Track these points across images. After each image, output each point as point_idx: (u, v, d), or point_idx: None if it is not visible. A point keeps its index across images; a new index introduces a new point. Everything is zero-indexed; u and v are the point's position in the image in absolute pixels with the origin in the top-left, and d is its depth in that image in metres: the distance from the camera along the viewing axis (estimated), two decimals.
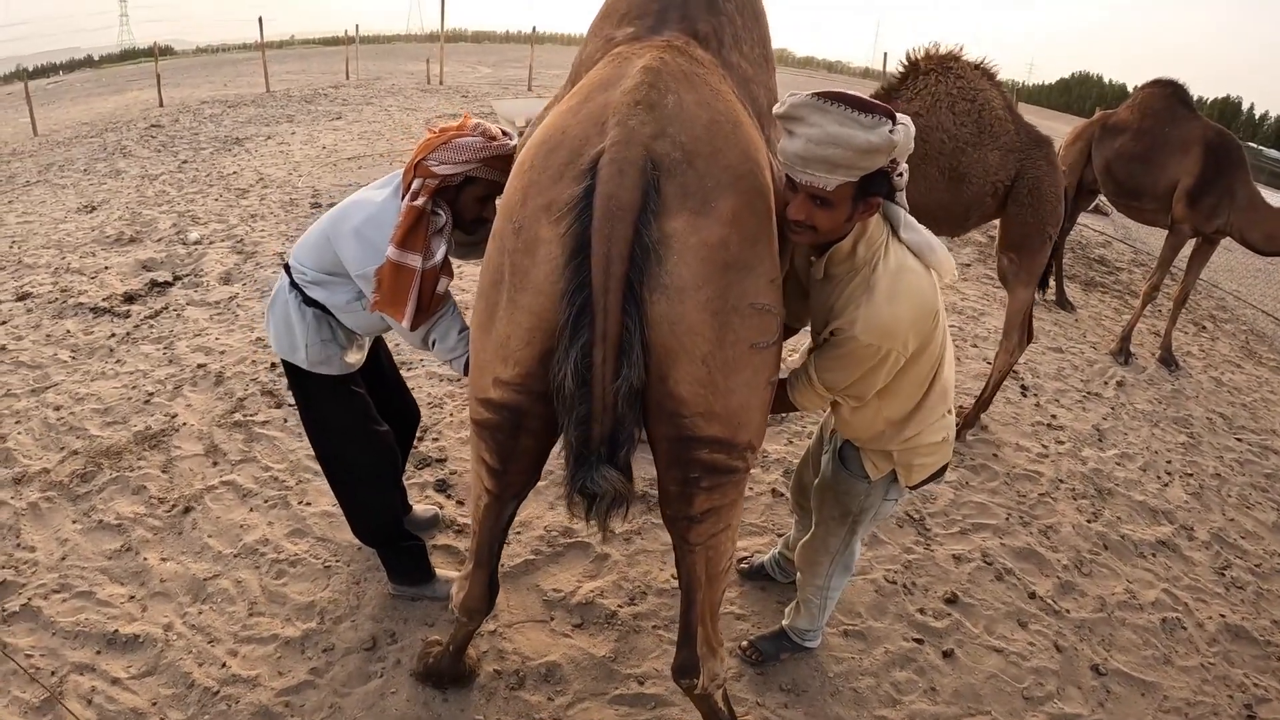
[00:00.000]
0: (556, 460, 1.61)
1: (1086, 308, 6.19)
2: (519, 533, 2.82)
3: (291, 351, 2.09)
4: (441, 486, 3.08)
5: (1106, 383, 4.80)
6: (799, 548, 2.26)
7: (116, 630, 2.35)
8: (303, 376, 2.15)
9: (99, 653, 2.28)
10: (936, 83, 3.28)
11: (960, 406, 3.84)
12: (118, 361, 3.89)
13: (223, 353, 3.99)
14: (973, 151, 3.28)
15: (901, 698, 2.34)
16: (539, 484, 2.10)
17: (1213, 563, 3.24)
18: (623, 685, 2.27)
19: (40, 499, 2.89)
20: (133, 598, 2.48)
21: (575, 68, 1.81)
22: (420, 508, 2.84)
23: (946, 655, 2.52)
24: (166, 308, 4.50)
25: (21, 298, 4.59)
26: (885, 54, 15.71)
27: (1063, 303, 6.05)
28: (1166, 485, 3.76)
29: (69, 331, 4.18)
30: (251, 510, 2.88)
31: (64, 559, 2.62)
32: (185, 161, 8.20)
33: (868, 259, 1.61)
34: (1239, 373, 5.48)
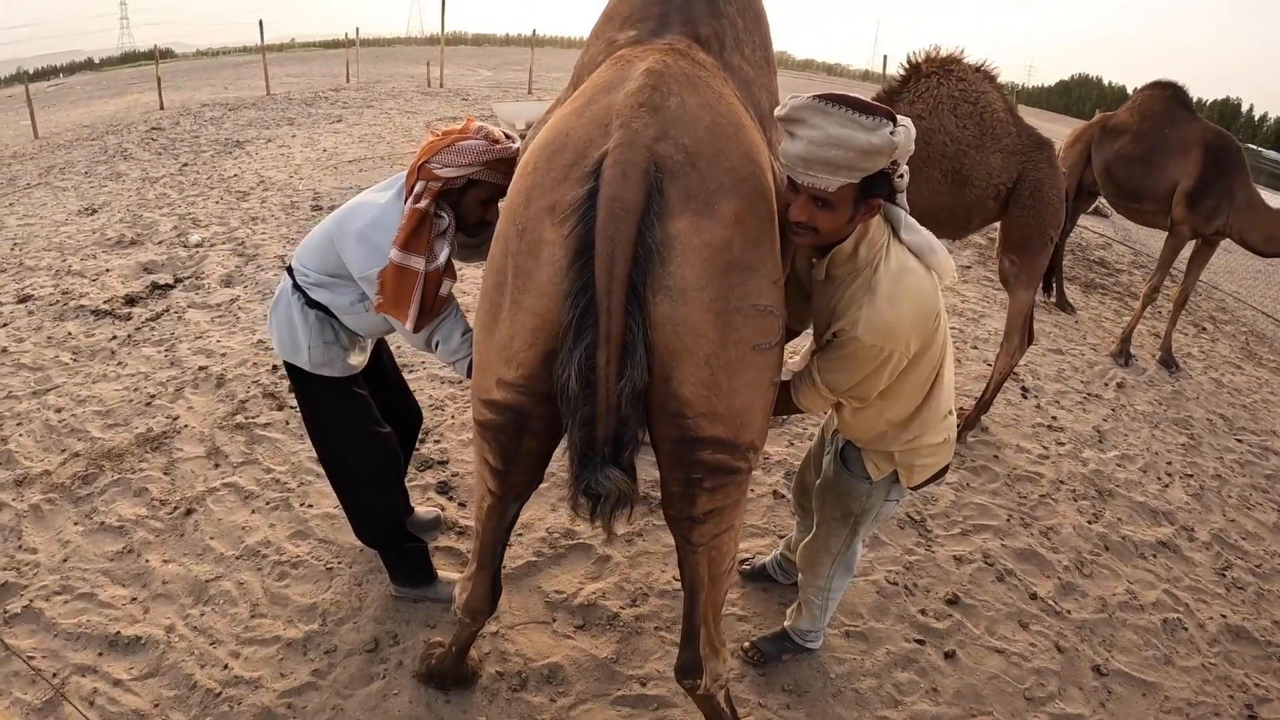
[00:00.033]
0: (557, 463, 1.62)
1: (1086, 309, 6.20)
2: (521, 535, 2.82)
3: (294, 353, 2.10)
4: (443, 488, 3.09)
5: (1107, 384, 4.81)
6: (800, 549, 2.26)
7: (118, 632, 2.35)
8: (305, 378, 2.16)
9: (101, 654, 2.28)
10: (938, 85, 3.30)
11: (961, 408, 3.84)
12: (119, 364, 3.90)
13: (224, 355, 3.99)
14: (975, 154, 3.29)
15: (903, 698, 2.35)
16: (540, 486, 2.10)
17: (1213, 563, 3.24)
18: (625, 686, 2.27)
19: (42, 501, 2.89)
20: (134, 599, 2.48)
21: (577, 71, 1.81)
22: (422, 509, 2.84)
23: (948, 656, 2.52)
24: (168, 310, 4.51)
25: (23, 300, 4.60)
26: (885, 56, 15.74)
27: (1063, 305, 6.06)
28: (1167, 486, 3.77)
29: (70, 334, 4.19)
30: (253, 512, 2.89)
31: (65, 561, 2.62)
32: (186, 164, 8.21)
33: (869, 260, 1.61)
34: (1239, 374, 5.48)
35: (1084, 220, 8.57)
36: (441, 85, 15.87)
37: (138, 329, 4.27)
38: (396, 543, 2.42)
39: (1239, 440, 4.39)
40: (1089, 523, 3.35)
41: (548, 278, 1.38)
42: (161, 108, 12.97)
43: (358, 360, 2.20)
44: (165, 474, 3.08)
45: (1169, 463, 3.99)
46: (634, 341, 1.33)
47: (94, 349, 4.03)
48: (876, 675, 2.41)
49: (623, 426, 1.39)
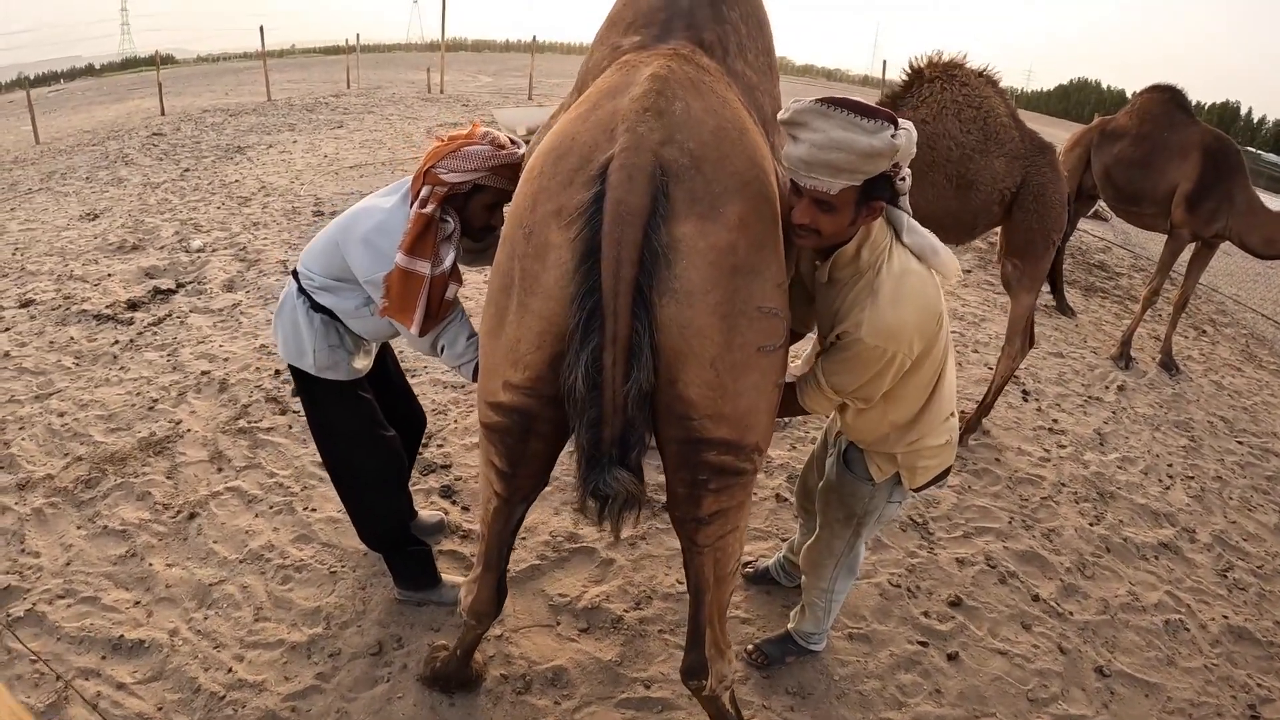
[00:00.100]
0: (561, 466, 1.63)
1: (1087, 313, 6.21)
2: (524, 538, 2.82)
3: (299, 357, 2.11)
4: (446, 492, 3.09)
5: (1107, 387, 4.82)
6: (804, 551, 2.26)
7: (122, 635, 2.35)
8: (310, 382, 2.16)
9: (104, 658, 2.29)
10: (941, 90, 3.31)
11: (962, 412, 3.85)
12: (121, 368, 3.91)
13: (226, 360, 4.00)
14: (979, 158, 3.31)
15: (907, 700, 2.35)
16: (543, 490, 2.11)
17: (1215, 565, 3.25)
18: (629, 689, 2.28)
19: (45, 505, 2.90)
20: (138, 603, 2.49)
21: (582, 76, 1.83)
22: (425, 513, 2.85)
23: (951, 658, 2.52)
24: (170, 315, 4.51)
25: (25, 304, 4.61)
26: (885, 61, 15.77)
27: (1063, 308, 6.07)
28: (1168, 488, 3.77)
29: (72, 338, 4.19)
30: (257, 516, 2.89)
31: (69, 564, 2.62)
32: (187, 170, 8.23)
33: (871, 262, 1.63)
34: (1239, 376, 5.49)
35: (1083, 224, 8.59)
36: (442, 91, 15.90)
37: (140, 333, 4.27)
38: (401, 546, 2.43)
39: (1239, 442, 4.40)
40: (1090, 525, 3.36)
41: (554, 281, 1.39)
42: (163, 113, 13.00)
43: (362, 364, 2.21)
44: (168, 478, 3.08)
45: (1170, 465, 3.99)
46: (640, 344, 1.34)
47: (96, 353, 4.04)
48: (880, 677, 2.41)
49: (629, 428, 1.39)
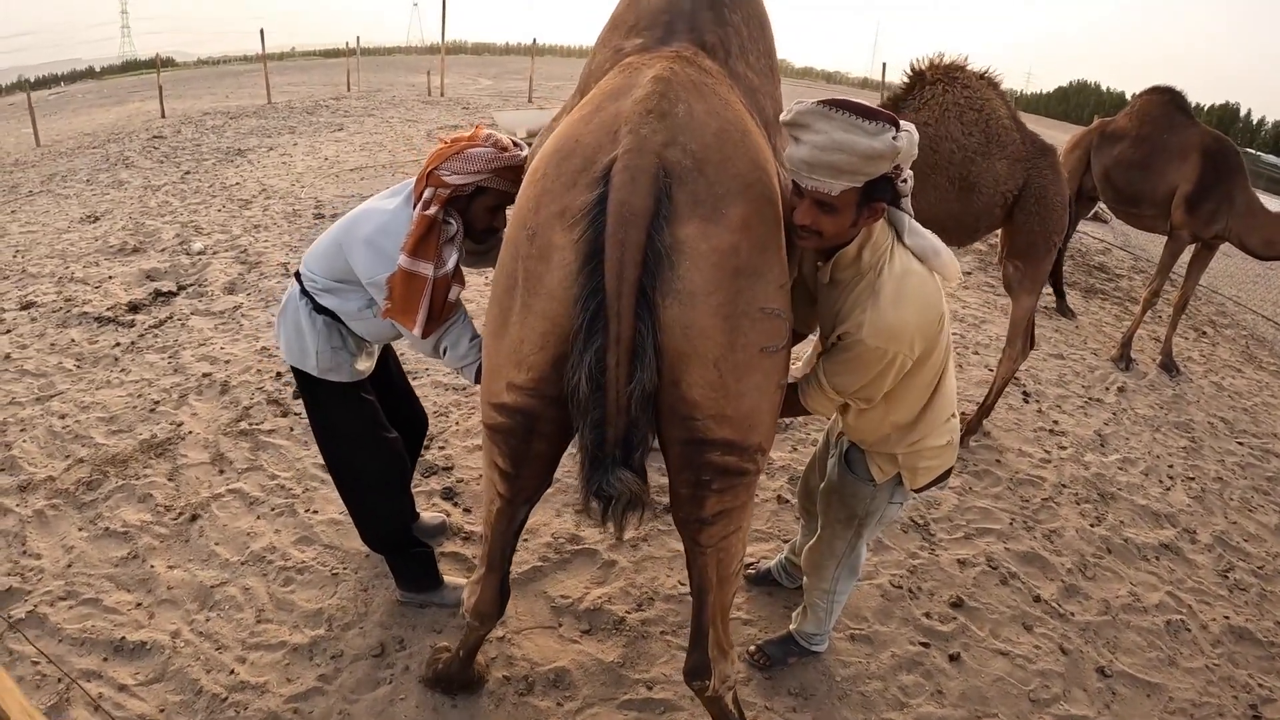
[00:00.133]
0: (563, 469, 1.63)
1: (1087, 314, 6.22)
2: (526, 540, 2.82)
3: (302, 359, 2.11)
4: (448, 494, 3.09)
5: (1108, 388, 4.82)
6: (805, 552, 2.27)
7: (124, 637, 2.35)
8: (313, 383, 2.17)
9: (106, 659, 2.29)
10: (943, 93, 3.31)
11: (963, 413, 3.85)
12: (123, 370, 3.91)
13: (228, 362, 4.00)
14: (982, 161, 3.31)
15: (909, 701, 2.35)
16: (546, 491, 2.11)
17: (1216, 565, 3.25)
18: (631, 690, 2.28)
19: (46, 506, 2.90)
20: (140, 604, 2.49)
21: (584, 78, 1.83)
22: (427, 515, 2.85)
23: (953, 659, 2.52)
24: (171, 317, 4.52)
25: (26, 306, 4.61)
26: (884, 64, 15.81)
27: (1063, 310, 6.07)
28: (1169, 489, 3.78)
29: (73, 340, 4.20)
30: (258, 518, 2.89)
31: (70, 566, 2.62)
32: (188, 172, 8.24)
33: (873, 263, 1.63)
34: (1239, 377, 5.50)
35: (1083, 226, 8.60)
36: (442, 94, 15.93)
37: (141, 336, 4.28)
38: (403, 548, 2.43)
39: (1240, 443, 4.40)
40: (1091, 526, 3.36)
41: (558, 282, 1.39)
42: (163, 116, 13.03)
43: (365, 365, 2.21)
44: (170, 480, 3.08)
45: (1170, 466, 4.00)
46: (643, 345, 1.34)
47: (97, 356, 4.04)
48: (882, 678, 2.41)
49: (632, 429, 1.40)
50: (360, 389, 2.23)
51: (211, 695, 2.18)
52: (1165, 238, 5.26)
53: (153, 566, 2.63)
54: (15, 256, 5.57)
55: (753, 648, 2.42)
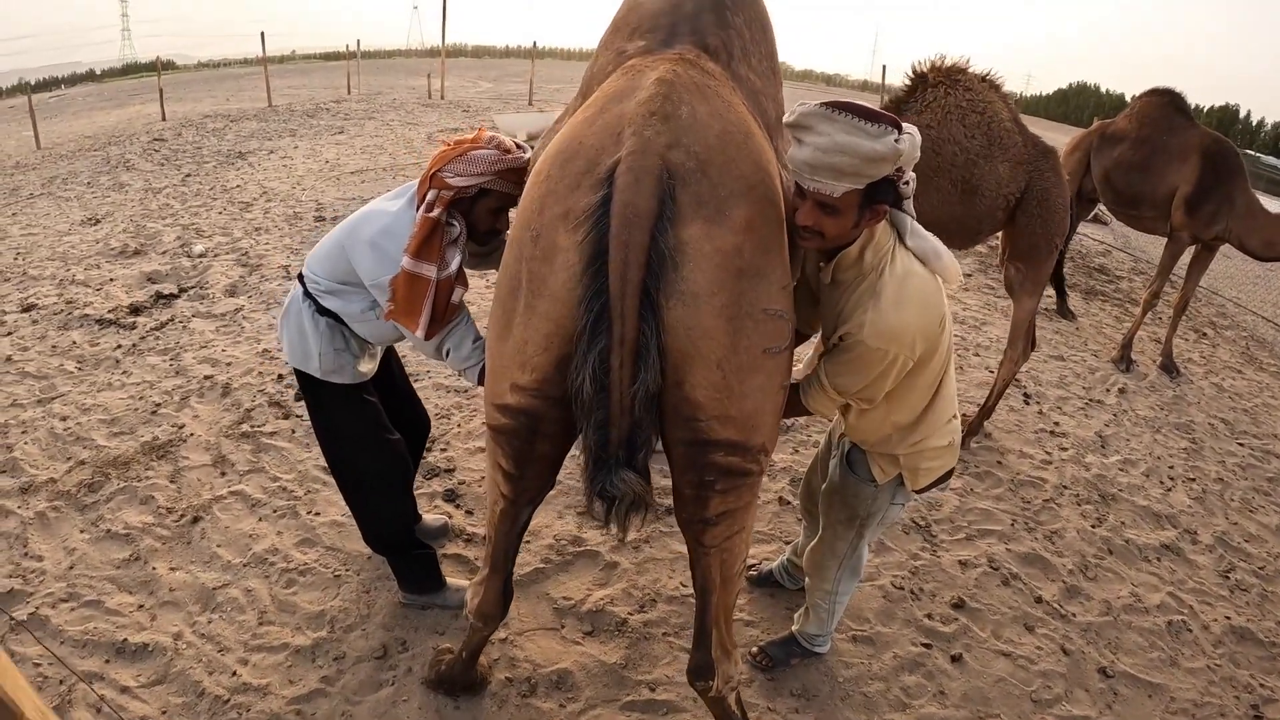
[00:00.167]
0: (565, 470, 1.63)
1: (1087, 316, 6.23)
2: (528, 542, 2.82)
3: (305, 360, 2.11)
4: (450, 496, 3.09)
5: (1108, 390, 4.83)
6: (807, 553, 2.27)
7: (125, 639, 2.35)
8: (316, 385, 2.17)
9: (108, 661, 2.29)
10: (945, 95, 3.30)
11: (964, 415, 3.86)
12: (124, 373, 3.91)
13: (229, 364, 4.01)
14: (984, 164, 3.30)
15: (911, 702, 2.35)
16: (549, 492, 2.11)
17: (1217, 566, 3.25)
18: (634, 692, 2.28)
19: (47, 508, 2.90)
20: (142, 606, 2.49)
21: (587, 80, 1.84)
22: (430, 517, 2.85)
23: (955, 659, 2.52)
24: (172, 319, 4.52)
25: (27, 309, 4.61)
26: (884, 66, 15.82)
27: (1064, 312, 6.08)
28: (1169, 490, 3.78)
29: (75, 343, 4.20)
30: (260, 520, 2.89)
31: (72, 568, 2.63)
32: (189, 175, 8.25)
33: (874, 265, 1.64)
34: (1240, 378, 5.50)
35: (1083, 227, 8.61)
36: (442, 97, 15.95)
37: (142, 338, 4.28)
38: (405, 549, 2.43)
39: (1240, 444, 4.41)
40: (1092, 527, 3.36)
41: (562, 283, 1.40)
42: (164, 119, 13.04)
43: (368, 367, 2.22)
44: (171, 482, 3.09)
45: (1171, 467, 4.00)
46: (647, 345, 1.35)
47: (99, 358, 4.05)
48: (884, 679, 2.42)
49: (636, 429, 1.40)
50: (363, 391, 2.23)
51: (214, 697, 2.18)
52: (1165, 239, 5.27)
53: (154, 568, 2.64)
54: (16, 259, 5.58)
55: (755, 649, 2.42)
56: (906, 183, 1.60)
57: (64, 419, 3.48)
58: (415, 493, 2.70)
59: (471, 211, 1.99)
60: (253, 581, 2.60)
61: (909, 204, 1.67)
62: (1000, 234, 3.74)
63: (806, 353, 3.65)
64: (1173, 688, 2.56)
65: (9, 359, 3.98)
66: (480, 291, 4.95)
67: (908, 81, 3.41)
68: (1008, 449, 3.88)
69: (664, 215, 1.34)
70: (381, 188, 7.58)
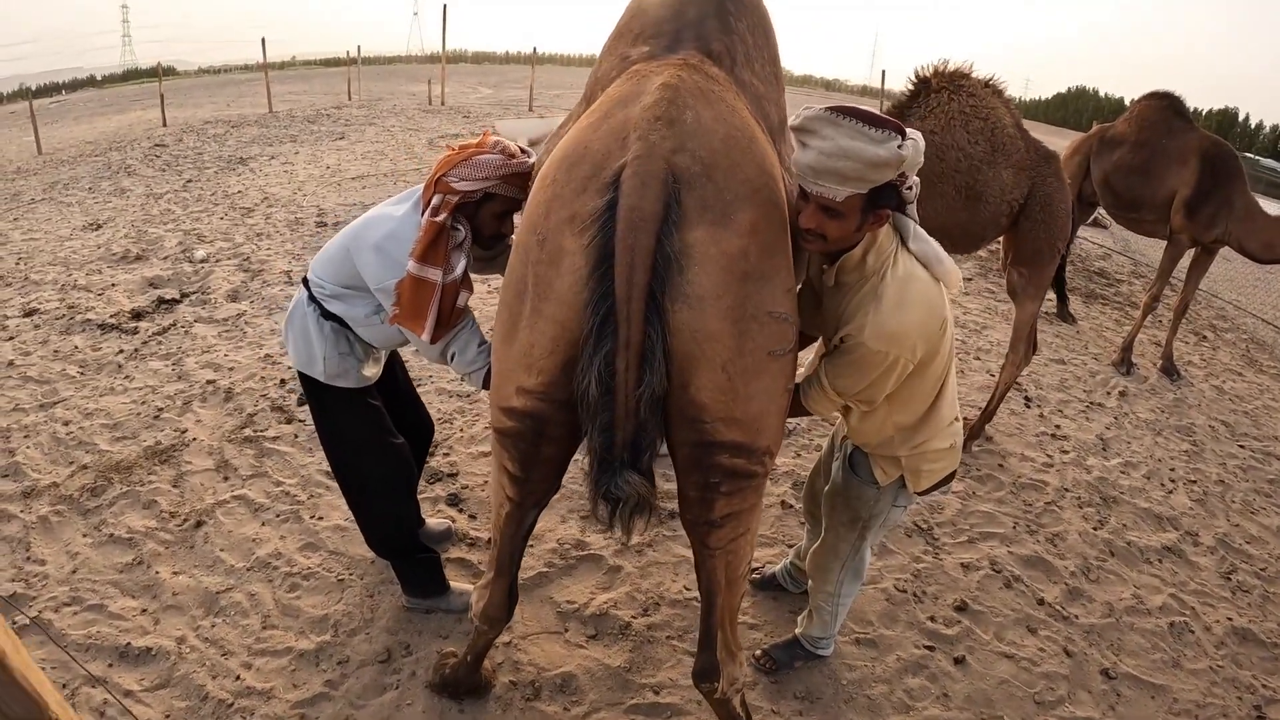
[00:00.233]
0: (568, 475, 1.64)
1: (1088, 320, 6.24)
2: (532, 546, 2.82)
3: (309, 364, 2.12)
4: (453, 500, 3.10)
5: (1109, 393, 4.83)
6: (810, 555, 2.27)
7: (129, 643, 2.35)
8: (320, 389, 2.18)
9: (111, 665, 2.29)
10: (949, 100, 3.29)
11: (965, 418, 3.86)
12: (126, 377, 3.92)
13: (231, 369, 4.01)
14: (988, 169, 3.29)
15: (915, 704, 2.35)
16: (554, 496, 2.12)
17: (1218, 567, 3.25)
18: (638, 695, 2.28)
19: (50, 512, 2.90)
20: (145, 610, 2.49)
21: (590, 86, 1.85)
22: (433, 521, 2.85)
23: (958, 662, 2.53)
24: (174, 324, 4.53)
25: (28, 314, 4.62)
26: (884, 71, 15.87)
27: (1065, 315, 6.09)
28: (1171, 492, 3.78)
29: (77, 347, 4.21)
30: (263, 524, 2.90)
31: (74, 572, 2.63)
32: (190, 180, 8.27)
33: (877, 268, 1.65)
34: (1240, 381, 5.51)
35: (1083, 231, 8.63)
36: (443, 103, 15.99)
37: (144, 343, 4.29)
38: (409, 553, 2.43)
39: (1241, 446, 4.41)
40: (1094, 529, 3.36)
41: (568, 286, 1.40)
42: (164, 125, 13.07)
43: (372, 371, 2.22)
44: (174, 486, 3.09)
45: (1172, 469, 4.00)
46: (653, 348, 1.36)
47: (101, 362, 4.05)
48: (887, 681, 2.42)
49: (641, 432, 1.41)
50: (367, 394, 2.24)
51: (217, 701, 2.18)
52: (1165, 242, 5.28)
53: (158, 572, 2.64)
54: (18, 264, 5.58)
55: (759, 652, 2.42)
56: (910, 188, 1.61)
57: (66, 423, 3.48)
58: (418, 497, 2.71)
59: (476, 216, 2.00)
60: (256, 586, 2.60)
61: (912, 208, 1.68)
62: (1002, 238, 3.75)
63: (809, 355, 3.65)
64: (1175, 689, 2.56)
65: (11, 363, 3.98)
66: (483, 296, 4.96)
67: (911, 87, 3.41)
68: (1009, 452, 3.88)
69: (669, 219, 1.35)
70: (383, 193, 7.60)
